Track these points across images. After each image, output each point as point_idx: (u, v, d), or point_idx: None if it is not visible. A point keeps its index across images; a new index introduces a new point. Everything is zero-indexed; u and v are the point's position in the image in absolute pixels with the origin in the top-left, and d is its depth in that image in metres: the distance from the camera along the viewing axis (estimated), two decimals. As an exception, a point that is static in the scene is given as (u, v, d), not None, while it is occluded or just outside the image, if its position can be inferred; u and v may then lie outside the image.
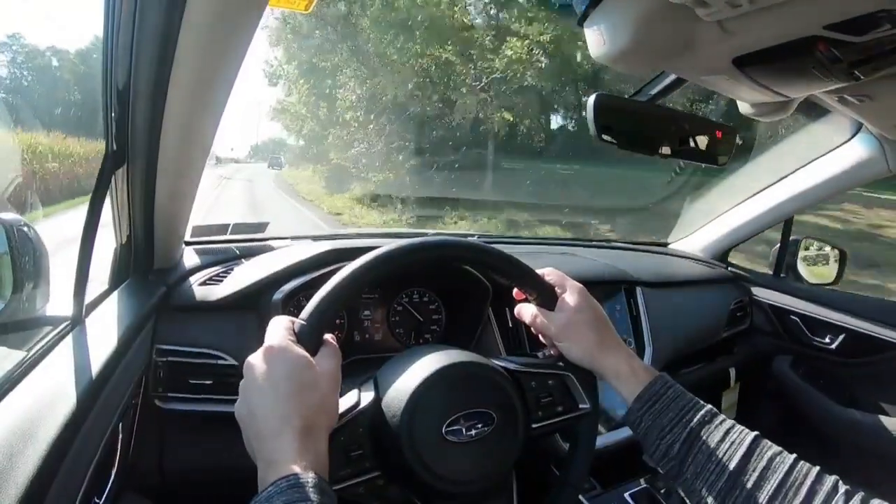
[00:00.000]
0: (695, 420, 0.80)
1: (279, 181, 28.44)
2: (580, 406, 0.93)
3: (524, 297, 0.96)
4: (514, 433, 0.85)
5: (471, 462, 0.80)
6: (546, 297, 0.93)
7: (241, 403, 0.70)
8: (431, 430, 0.79)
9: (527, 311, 0.94)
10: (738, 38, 0.71)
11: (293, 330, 0.74)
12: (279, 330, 0.74)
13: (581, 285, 0.94)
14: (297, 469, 0.62)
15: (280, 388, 0.68)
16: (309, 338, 0.74)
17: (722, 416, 0.81)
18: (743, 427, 0.80)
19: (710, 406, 0.83)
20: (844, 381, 1.94)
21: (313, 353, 0.73)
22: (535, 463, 0.96)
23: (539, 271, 0.94)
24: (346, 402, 0.80)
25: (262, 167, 42.45)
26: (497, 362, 0.90)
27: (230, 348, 1.18)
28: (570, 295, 0.92)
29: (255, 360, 0.71)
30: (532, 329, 0.95)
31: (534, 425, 0.89)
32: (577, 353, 0.90)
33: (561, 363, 0.93)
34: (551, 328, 0.91)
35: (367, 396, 0.82)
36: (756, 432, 0.79)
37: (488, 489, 0.84)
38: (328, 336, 0.78)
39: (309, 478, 0.61)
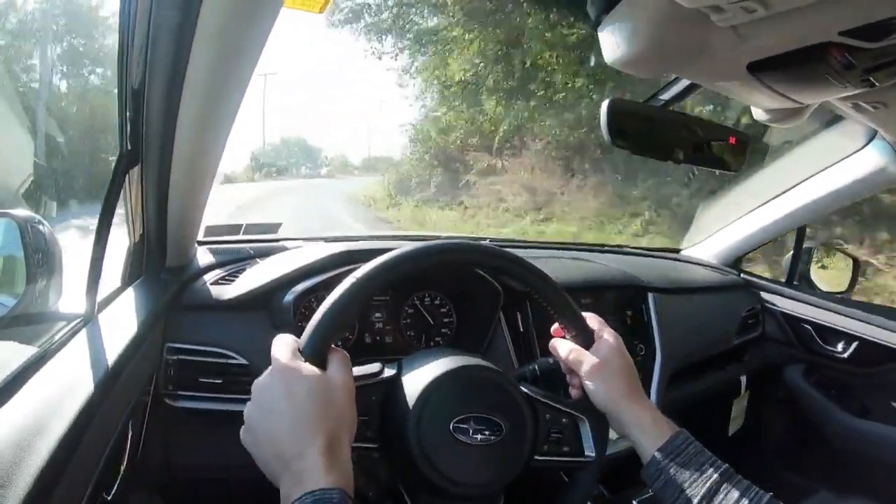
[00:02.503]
0: (714, 477, 0.80)
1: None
2: (586, 453, 0.93)
3: (562, 334, 0.96)
4: (518, 454, 0.85)
5: (467, 464, 0.81)
6: (586, 337, 0.93)
7: (249, 429, 0.70)
8: (441, 419, 0.79)
9: (563, 346, 0.94)
10: (752, 43, 0.71)
11: (298, 348, 0.74)
12: (285, 349, 0.73)
13: (617, 334, 0.95)
14: (322, 485, 0.62)
15: (299, 409, 0.67)
16: (315, 353, 0.73)
17: (739, 476, 0.81)
18: (759, 488, 0.80)
19: (727, 465, 0.83)
20: (857, 390, 1.93)
21: (323, 366, 0.73)
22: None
23: (583, 314, 0.95)
24: (368, 368, 0.81)
25: (305, 190, 21.87)
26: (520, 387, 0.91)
27: (241, 348, 1.18)
28: (608, 340, 0.93)
29: (266, 382, 0.71)
30: (563, 364, 0.95)
31: (537, 456, 0.89)
32: (602, 397, 0.90)
33: (580, 403, 0.93)
34: (584, 366, 0.91)
35: (390, 371, 0.84)
36: (770, 493, 0.79)
37: (475, 498, 0.84)
38: (333, 346, 0.77)
39: (334, 494, 0.61)
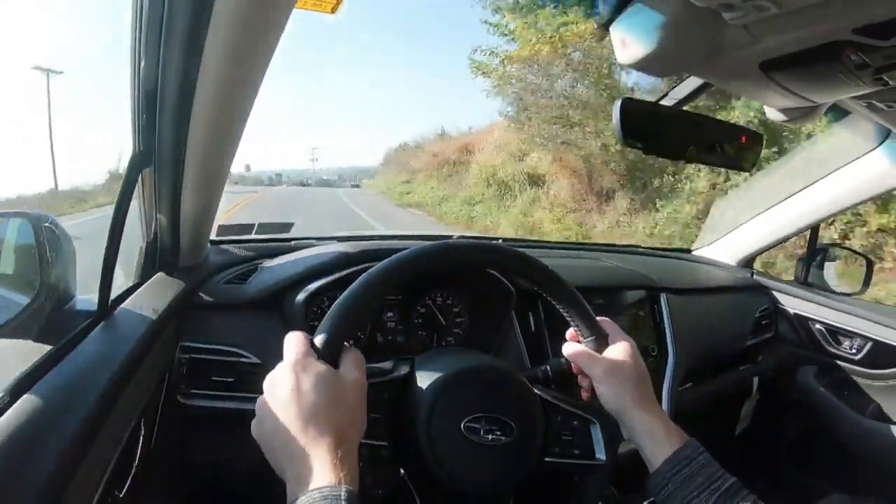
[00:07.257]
0: (722, 489, 0.79)
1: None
2: (596, 456, 0.93)
3: (577, 338, 0.95)
4: (528, 455, 0.85)
5: (477, 464, 0.81)
6: (599, 340, 0.92)
7: (260, 421, 0.70)
8: (452, 418, 0.80)
9: (574, 349, 0.94)
10: (765, 42, 0.70)
11: (311, 344, 0.73)
12: (297, 345, 0.72)
13: (631, 339, 0.94)
14: (330, 482, 0.61)
15: (307, 404, 0.67)
16: (328, 351, 0.73)
17: (746, 491, 0.80)
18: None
19: (735, 479, 0.81)
20: (869, 392, 1.91)
21: (335, 364, 0.72)
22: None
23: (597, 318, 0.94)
24: (380, 367, 0.82)
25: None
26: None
27: (253, 346, 1.19)
28: (621, 345, 0.92)
29: (277, 376, 0.70)
30: (573, 366, 0.94)
31: (547, 458, 0.89)
32: (612, 401, 0.88)
33: (592, 406, 0.93)
34: (596, 369, 0.90)
35: (403, 369, 0.85)
36: None
37: (485, 497, 0.84)
38: (347, 344, 0.76)
39: (342, 491, 0.60)
